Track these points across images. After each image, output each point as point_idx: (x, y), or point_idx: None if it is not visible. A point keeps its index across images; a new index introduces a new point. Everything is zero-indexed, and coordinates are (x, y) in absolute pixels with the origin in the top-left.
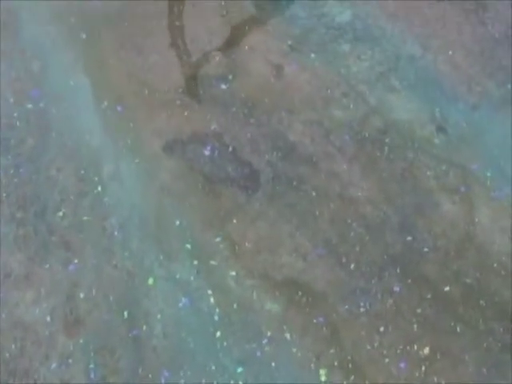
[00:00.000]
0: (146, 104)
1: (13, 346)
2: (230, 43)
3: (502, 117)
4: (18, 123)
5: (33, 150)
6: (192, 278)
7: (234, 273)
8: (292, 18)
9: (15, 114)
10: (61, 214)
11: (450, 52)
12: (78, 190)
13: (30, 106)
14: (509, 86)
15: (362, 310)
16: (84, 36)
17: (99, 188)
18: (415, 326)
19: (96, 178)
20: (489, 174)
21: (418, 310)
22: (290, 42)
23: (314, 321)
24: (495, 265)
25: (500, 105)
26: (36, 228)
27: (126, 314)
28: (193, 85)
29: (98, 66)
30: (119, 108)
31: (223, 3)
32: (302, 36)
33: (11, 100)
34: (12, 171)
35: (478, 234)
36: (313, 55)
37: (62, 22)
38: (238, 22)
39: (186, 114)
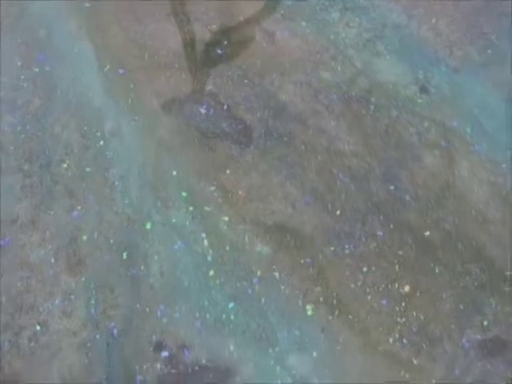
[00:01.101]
0: (145, 67)
1: (19, 284)
2: (226, 12)
3: (482, 79)
4: (25, 85)
5: (39, 109)
6: (187, 223)
7: (226, 218)
8: None
9: (22, 77)
10: (65, 165)
11: (434, 20)
12: (82, 144)
13: (36, 69)
14: (489, 52)
15: (346, 252)
16: (87, 5)
17: (101, 142)
18: (397, 266)
19: (98, 134)
20: (468, 131)
21: (400, 253)
22: (282, 12)
23: (302, 261)
24: (473, 212)
25: (480, 68)
26: (41, 178)
27: (125, 255)
28: (190, 50)
29: (101, 34)
30: (121, 71)
31: None
32: (294, 6)
33: (19, 64)
34: (19, 128)
35: (458, 184)
36: (304, 23)
37: None
38: None
39: (183, 76)
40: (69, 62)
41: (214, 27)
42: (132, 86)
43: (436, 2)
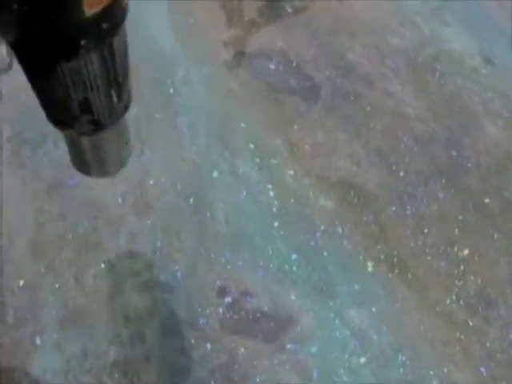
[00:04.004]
0: (216, 19)
1: (86, 223)
2: None
3: None
4: None
5: None
6: (254, 174)
7: (292, 172)
8: None
9: None
10: (135, 111)
11: None
12: (151, 90)
13: None
14: None
15: (408, 212)
16: None
17: (171, 90)
18: (456, 230)
19: (169, 81)
20: None
21: (460, 217)
22: None
23: (364, 218)
24: None
25: None
26: None
27: (191, 200)
28: (261, 6)
29: None
30: (191, 20)
31: None
32: None
33: None
34: None
35: None
36: None
37: None
38: None
39: (253, 30)
40: (139, 10)
41: None
42: (203, 36)
43: None
